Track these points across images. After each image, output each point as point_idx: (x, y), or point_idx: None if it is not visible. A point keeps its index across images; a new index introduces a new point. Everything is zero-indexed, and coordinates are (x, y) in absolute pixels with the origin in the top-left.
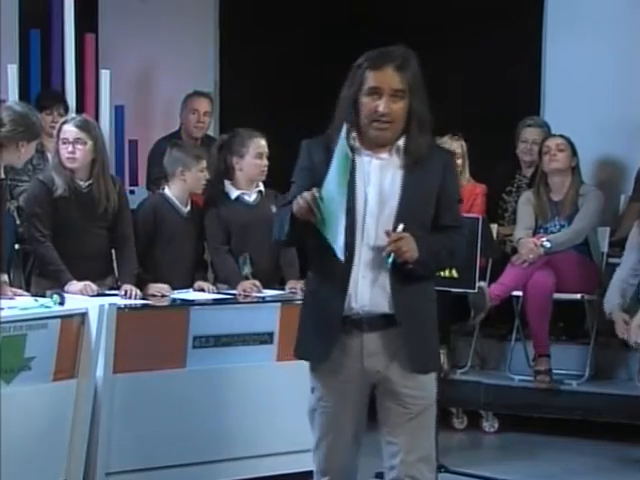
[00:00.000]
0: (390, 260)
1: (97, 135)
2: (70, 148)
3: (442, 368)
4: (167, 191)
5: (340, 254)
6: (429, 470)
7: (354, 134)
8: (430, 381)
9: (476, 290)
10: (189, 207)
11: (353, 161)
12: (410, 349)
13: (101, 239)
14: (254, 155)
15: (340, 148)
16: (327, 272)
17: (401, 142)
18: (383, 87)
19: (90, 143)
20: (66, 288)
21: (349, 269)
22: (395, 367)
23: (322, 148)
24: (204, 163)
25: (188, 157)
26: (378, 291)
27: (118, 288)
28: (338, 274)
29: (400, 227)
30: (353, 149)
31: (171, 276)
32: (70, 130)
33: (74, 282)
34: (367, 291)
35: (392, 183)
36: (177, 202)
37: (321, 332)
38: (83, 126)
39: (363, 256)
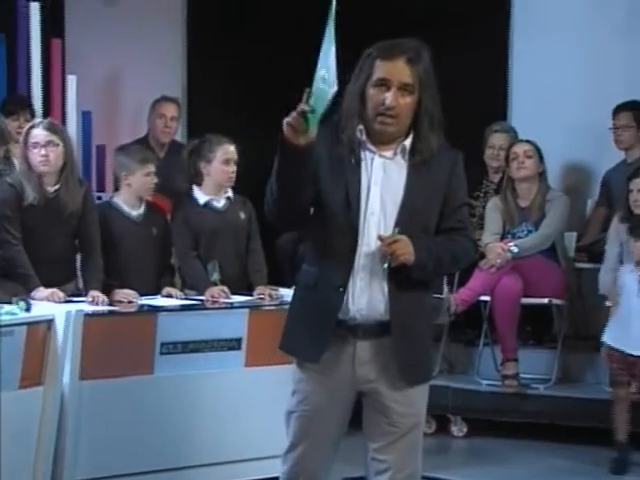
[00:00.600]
0: (387, 264)
1: (66, 138)
2: (43, 152)
3: None
4: (115, 197)
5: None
6: None
7: (361, 127)
8: (420, 397)
9: (444, 295)
10: (142, 210)
11: (358, 155)
12: (403, 360)
13: (65, 244)
14: (221, 161)
15: (330, 19)
16: (326, 268)
17: (407, 142)
18: (392, 79)
19: (61, 145)
20: (33, 294)
21: (350, 267)
22: (386, 378)
23: (326, 132)
24: (150, 167)
25: (132, 161)
26: (376, 294)
27: (80, 294)
28: (338, 271)
29: (396, 230)
30: (360, 143)
31: (133, 281)
32: (40, 134)
33: (41, 288)
34: (364, 293)
35: (396, 184)
36: (125, 207)
37: (315, 332)
38: (53, 129)
39: (362, 258)
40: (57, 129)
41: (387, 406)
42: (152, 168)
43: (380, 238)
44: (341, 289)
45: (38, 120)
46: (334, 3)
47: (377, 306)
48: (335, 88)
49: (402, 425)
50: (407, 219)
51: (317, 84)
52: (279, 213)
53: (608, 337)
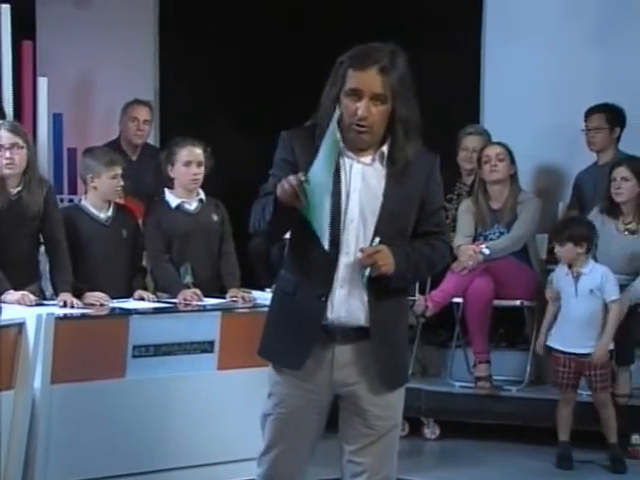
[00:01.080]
0: (367, 274)
1: (29, 139)
2: (7, 154)
3: None
4: (83, 199)
5: (325, 243)
6: None
7: (338, 135)
8: (398, 400)
9: (416, 297)
10: (110, 213)
11: (337, 162)
12: (381, 364)
13: (27, 245)
14: (183, 162)
15: (330, 132)
16: (306, 275)
17: (385, 148)
18: (364, 90)
19: (25, 147)
20: (3, 297)
21: (331, 275)
22: (365, 382)
23: (305, 140)
24: (116, 169)
25: (98, 164)
26: (355, 303)
27: (44, 296)
28: (318, 279)
29: (376, 240)
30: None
31: (103, 284)
32: (4, 136)
33: (11, 291)
34: (344, 301)
35: (374, 190)
36: (93, 210)
37: (296, 339)
38: (16, 130)
39: (342, 266)
40: (20, 131)
41: (365, 409)
42: (118, 170)
43: (361, 250)
44: (323, 298)
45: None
46: (336, 133)
47: (357, 313)
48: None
49: (379, 428)
50: (386, 226)
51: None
52: (266, 238)
53: (552, 340)
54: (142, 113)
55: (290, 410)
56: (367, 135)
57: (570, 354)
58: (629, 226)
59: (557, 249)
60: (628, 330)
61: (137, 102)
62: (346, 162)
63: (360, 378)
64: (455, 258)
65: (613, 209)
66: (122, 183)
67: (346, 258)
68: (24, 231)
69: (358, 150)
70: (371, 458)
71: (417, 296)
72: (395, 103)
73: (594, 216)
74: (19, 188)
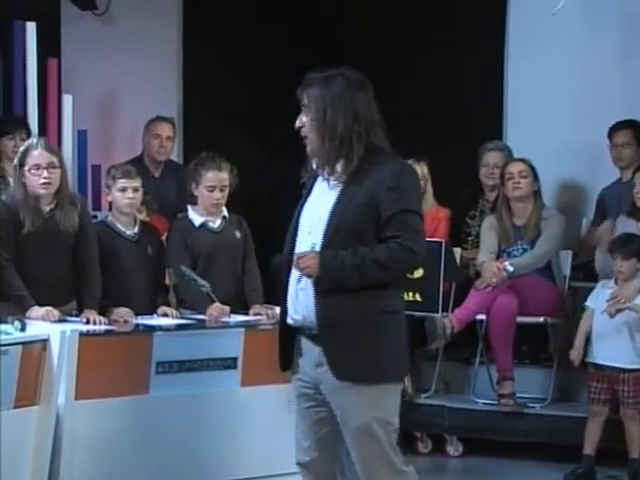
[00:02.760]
0: (300, 279)
1: (62, 157)
2: (45, 174)
3: (406, 392)
4: (109, 216)
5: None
6: None
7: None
8: (364, 399)
9: (439, 314)
10: (136, 229)
11: (313, 182)
12: (332, 360)
13: (63, 264)
14: (206, 186)
15: None
16: (279, 280)
17: (339, 165)
18: (300, 104)
19: (60, 166)
20: (28, 314)
21: (287, 282)
22: (326, 378)
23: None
24: (123, 182)
25: (109, 178)
26: (308, 303)
27: (79, 313)
28: (282, 287)
29: (315, 247)
30: (316, 175)
31: (128, 300)
32: (42, 155)
33: (36, 307)
34: (302, 302)
35: (325, 204)
36: (119, 226)
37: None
38: (52, 150)
39: (296, 271)
40: (55, 150)
41: (330, 404)
42: (126, 183)
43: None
44: (285, 299)
45: (34, 141)
46: None
47: (310, 312)
48: None
49: (347, 426)
50: (335, 235)
51: None
52: None
53: (589, 355)
54: (165, 130)
55: (296, 402)
56: (308, 145)
57: (607, 367)
58: None
59: (619, 263)
60: None
61: (160, 119)
62: (315, 183)
63: (324, 376)
64: (478, 275)
65: (636, 212)
66: (134, 196)
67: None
68: (59, 249)
69: (327, 168)
70: (359, 466)
71: (440, 314)
72: (316, 113)
73: (620, 220)
74: (52, 206)
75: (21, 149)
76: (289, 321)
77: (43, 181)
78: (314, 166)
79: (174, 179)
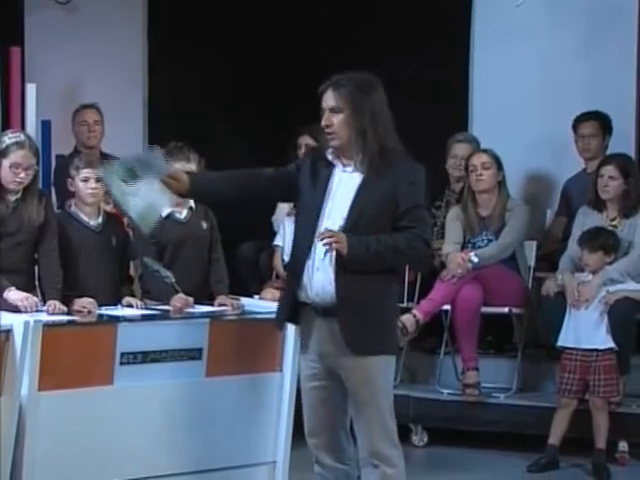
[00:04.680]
0: (326, 253)
1: (39, 156)
2: (22, 174)
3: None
4: (73, 206)
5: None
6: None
7: (330, 149)
8: (374, 368)
9: (405, 304)
10: (100, 220)
11: (329, 172)
12: (348, 334)
13: (26, 253)
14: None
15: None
16: (294, 258)
17: (359, 158)
18: (324, 106)
19: (36, 165)
20: (5, 295)
21: (306, 259)
22: (340, 351)
23: (314, 160)
24: (86, 172)
25: (72, 168)
26: (328, 281)
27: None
28: (299, 262)
29: (337, 227)
30: (331, 163)
31: (91, 291)
32: (26, 156)
33: (13, 289)
34: (319, 281)
35: (347, 194)
36: (83, 216)
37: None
38: (36, 150)
39: (317, 252)
40: (36, 150)
41: (341, 377)
42: (89, 173)
43: (320, 234)
44: (298, 276)
45: (22, 137)
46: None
47: (329, 291)
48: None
49: (359, 396)
50: (355, 222)
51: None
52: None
53: (562, 340)
54: (90, 115)
55: (302, 380)
56: (335, 141)
57: (580, 350)
58: (613, 222)
59: (586, 256)
60: (626, 338)
61: (83, 107)
62: (335, 171)
63: (337, 350)
64: (443, 266)
65: (598, 204)
66: (96, 186)
67: (320, 247)
68: (21, 239)
69: (343, 159)
70: (363, 429)
71: (405, 303)
72: (351, 113)
73: (582, 211)
74: (17, 196)
75: (7, 140)
76: (302, 297)
77: (18, 180)
78: (329, 157)
79: None
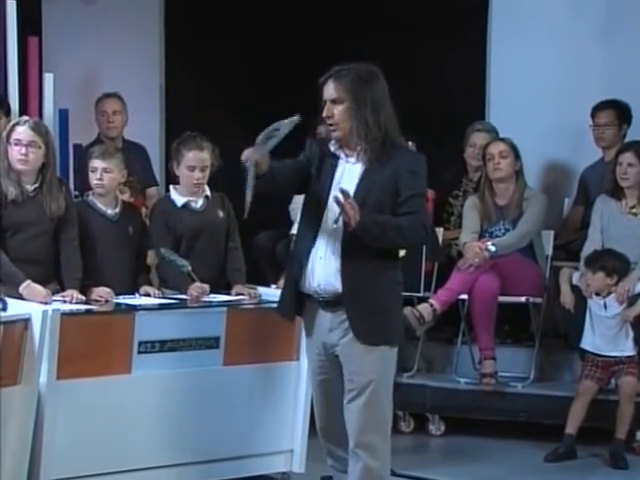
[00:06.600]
0: (337, 221)
1: (49, 140)
2: (23, 150)
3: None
4: (90, 196)
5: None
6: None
7: (334, 141)
8: (377, 358)
9: (421, 294)
10: (118, 209)
11: (335, 163)
12: (357, 325)
13: (46, 243)
14: (187, 166)
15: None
16: (298, 246)
17: (360, 148)
18: (325, 98)
19: (43, 147)
20: (21, 289)
21: (310, 247)
22: (345, 341)
23: (320, 150)
24: (93, 163)
25: (87, 158)
26: (332, 272)
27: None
28: (302, 250)
29: (340, 218)
30: (335, 155)
31: (109, 280)
32: (24, 132)
33: (31, 284)
34: (322, 271)
35: (351, 182)
36: (101, 205)
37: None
38: (38, 130)
39: (320, 240)
40: (42, 131)
41: (344, 365)
42: (96, 164)
43: (342, 191)
44: (300, 266)
45: (24, 118)
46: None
47: (333, 281)
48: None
49: (357, 382)
50: (359, 205)
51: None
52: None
53: (585, 343)
54: (110, 105)
55: (309, 371)
56: (337, 132)
57: (602, 356)
58: (633, 210)
59: (589, 276)
60: None
61: (104, 96)
62: (339, 162)
63: (342, 338)
64: (460, 255)
65: (617, 192)
66: (101, 177)
67: (325, 235)
68: (43, 228)
69: (348, 150)
70: (353, 417)
71: (422, 293)
72: (351, 103)
73: (601, 200)
74: (36, 185)
75: (10, 124)
76: (305, 287)
77: (19, 157)
78: (332, 149)
79: (135, 159)
